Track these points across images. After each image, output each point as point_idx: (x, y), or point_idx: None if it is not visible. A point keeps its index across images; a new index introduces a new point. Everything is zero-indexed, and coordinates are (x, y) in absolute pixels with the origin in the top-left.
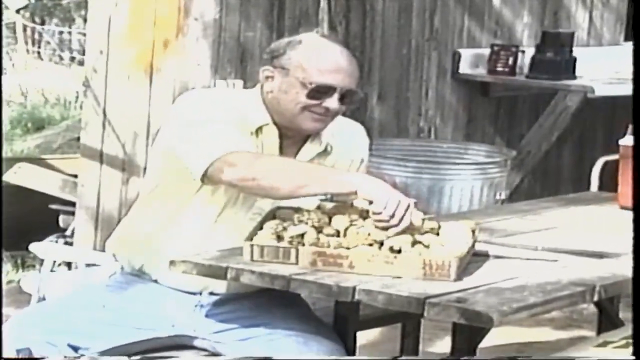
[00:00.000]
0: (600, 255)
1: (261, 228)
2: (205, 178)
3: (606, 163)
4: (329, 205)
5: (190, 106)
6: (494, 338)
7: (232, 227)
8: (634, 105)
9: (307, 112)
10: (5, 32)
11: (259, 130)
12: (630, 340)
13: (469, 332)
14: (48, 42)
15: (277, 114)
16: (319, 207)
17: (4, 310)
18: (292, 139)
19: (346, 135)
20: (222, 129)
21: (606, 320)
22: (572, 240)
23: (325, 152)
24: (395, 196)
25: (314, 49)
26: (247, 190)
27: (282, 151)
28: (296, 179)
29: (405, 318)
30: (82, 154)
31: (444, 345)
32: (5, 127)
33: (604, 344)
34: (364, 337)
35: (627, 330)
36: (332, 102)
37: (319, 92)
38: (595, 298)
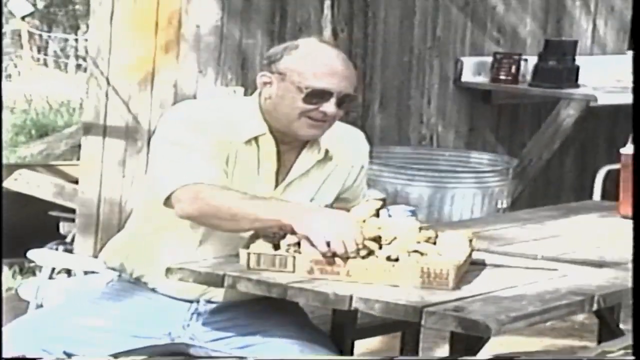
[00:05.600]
0: (600, 265)
1: (258, 237)
2: (169, 203)
3: (609, 172)
4: None
5: (175, 122)
6: (493, 347)
7: (225, 235)
8: (634, 112)
9: (305, 118)
10: (10, 39)
11: (255, 139)
12: (630, 350)
13: (466, 341)
14: (54, 50)
15: (274, 121)
16: None
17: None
18: (289, 145)
19: (346, 142)
20: (195, 156)
21: (606, 330)
22: (573, 249)
23: (325, 159)
24: (331, 234)
25: (310, 54)
26: (203, 224)
27: (279, 159)
28: (240, 216)
29: (404, 327)
30: (82, 160)
31: (443, 354)
32: (9, 133)
33: (602, 354)
34: (363, 345)
35: (627, 340)
36: (329, 107)
37: (315, 96)
38: (594, 307)
